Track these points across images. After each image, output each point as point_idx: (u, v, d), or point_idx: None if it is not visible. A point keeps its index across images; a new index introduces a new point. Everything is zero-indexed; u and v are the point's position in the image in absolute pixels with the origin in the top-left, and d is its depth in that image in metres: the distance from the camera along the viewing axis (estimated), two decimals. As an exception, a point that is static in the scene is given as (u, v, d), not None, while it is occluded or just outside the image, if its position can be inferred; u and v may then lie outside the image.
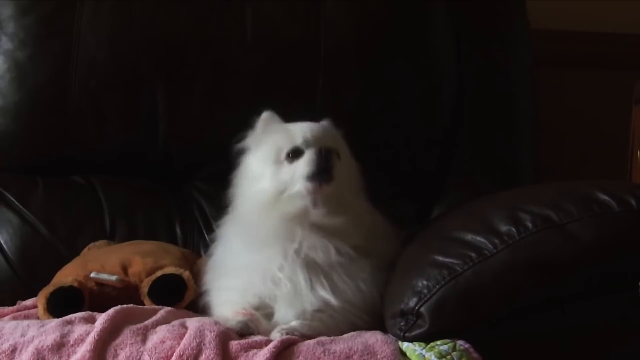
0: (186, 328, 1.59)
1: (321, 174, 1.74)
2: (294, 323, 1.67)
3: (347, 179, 1.80)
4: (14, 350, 1.54)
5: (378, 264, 1.75)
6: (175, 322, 1.63)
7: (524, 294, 1.60)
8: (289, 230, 1.74)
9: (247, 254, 1.77)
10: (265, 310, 1.72)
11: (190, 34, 2.19)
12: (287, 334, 1.62)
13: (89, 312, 1.68)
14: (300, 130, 1.79)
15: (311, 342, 1.58)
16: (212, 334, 1.56)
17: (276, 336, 1.62)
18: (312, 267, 1.72)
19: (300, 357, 1.54)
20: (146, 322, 1.61)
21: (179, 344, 1.54)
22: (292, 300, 1.70)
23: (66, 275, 1.87)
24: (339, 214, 1.74)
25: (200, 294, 1.82)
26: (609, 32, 2.59)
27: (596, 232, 1.59)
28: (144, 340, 1.56)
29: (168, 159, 2.22)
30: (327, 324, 1.68)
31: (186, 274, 1.83)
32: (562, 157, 2.58)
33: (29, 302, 1.91)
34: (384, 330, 1.65)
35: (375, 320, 1.70)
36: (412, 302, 1.60)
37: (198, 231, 2.18)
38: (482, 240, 1.61)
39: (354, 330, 1.67)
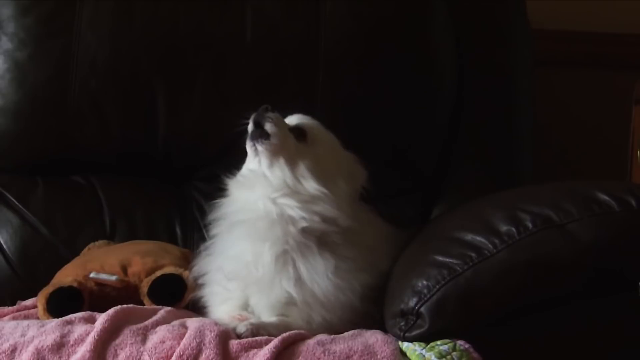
0: (186, 328, 1.59)
1: (256, 130, 1.77)
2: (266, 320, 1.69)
3: (315, 156, 1.79)
4: (14, 350, 1.54)
5: (356, 266, 1.74)
6: (175, 322, 1.63)
7: (523, 294, 1.60)
8: (245, 201, 1.78)
9: (220, 238, 1.81)
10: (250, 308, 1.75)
11: (190, 34, 2.19)
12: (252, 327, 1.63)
13: (89, 312, 1.68)
14: None
15: (311, 342, 1.58)
16: (212, 334, 1.56)
17: (241, 330, 1.62)
18: (280, 255, 1.72)
19: (300, 357, 1.54)
20: (146, 322, 1.62)
21: (179, 344, 1.54)
22: (263, 287, 1.72)
23: (66, 275, 1.87)
24: (285, 186, 1.74)
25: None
26: (609, 32, 2.59)
27: (596, 232, 1.59)
28: (144, 340, 1.56)
29: (168, 159, 2.21)
30: (297, 320, 1.69)
31: (186, 274, 1.83)
32: (562, 157, 2.58)
33: (29, 302, 1.91)
34: (383, 327, 1.66)
35: (353, 321, 1.70)
36: (412, 302, 1.60)
37: (198, 231, 2.18)
38: (482, 240, 1.61)
39: (325, 328, 1.68)
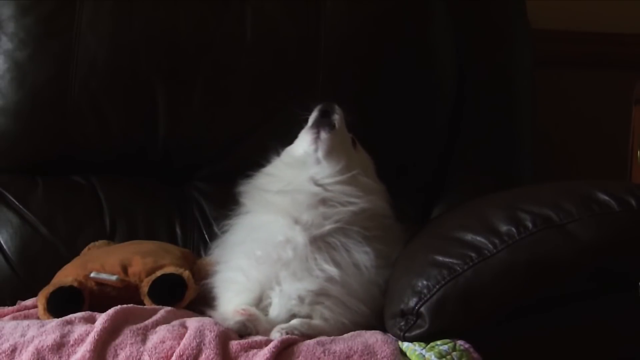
0: (186, 328, 1.59)
1: (322, 119, 1.81)
2: (294, 322, 1.67)
3: (362, 164, 1.85)
4: (14, 350, 1.54)
5: (382, 263, 1.75)
6: (175, 322, 1.63)
7: (523, 293, 1.60)
8: (291, 178, 1.79)
9: (252, 217, 1.81)
10: (266, 301, 1.73)
11: (190, 34, 2.19)
12: (287, 333, 1.62)
13: (89, 312, 1.68)
14: None
15: (311, 342, 1.58)
16: (212, 334, 1.56)
17: (276, 336, 1.62)
18: (313, 240, 1.73)
19: (300, 357, 1.54)
20: (146, 322, 1.62)
21: (179, 344, 1.54)
22: (296, 271, 1.71)
23: (66, 275, 1.87)
24: (341, 175, 1.77)
25: (201, 290, 1.82)
26: (609, 32, 2.59)
27: (596, 232, 1.59)
28: (144, 340, 1.56)
29: (168, 159, 2.22)
30: (327, 318, 1.69)
31: (186, 274, 1.83)
32: (562, 157, 2.58)
33: (29, 302, 1.91)
34: (384, 328, 1.66)
35: (374, 315, 1.70)
36: (412, 302, 1.60)
37: (198, 231, 2.18)
38: (482, 240, 1.61)
39: (354, 325, 1.67)
